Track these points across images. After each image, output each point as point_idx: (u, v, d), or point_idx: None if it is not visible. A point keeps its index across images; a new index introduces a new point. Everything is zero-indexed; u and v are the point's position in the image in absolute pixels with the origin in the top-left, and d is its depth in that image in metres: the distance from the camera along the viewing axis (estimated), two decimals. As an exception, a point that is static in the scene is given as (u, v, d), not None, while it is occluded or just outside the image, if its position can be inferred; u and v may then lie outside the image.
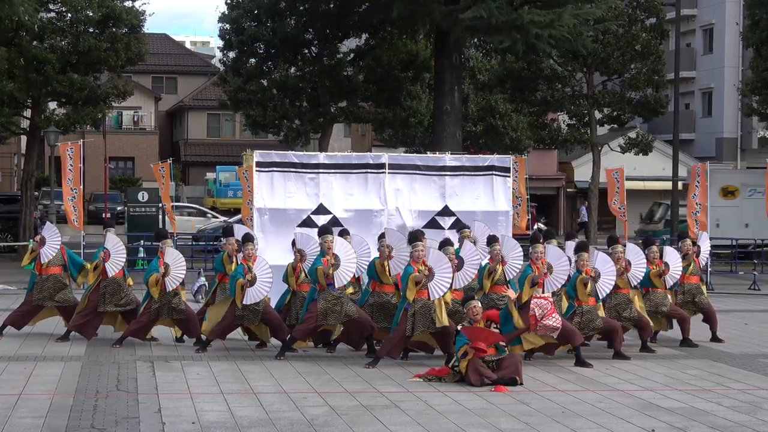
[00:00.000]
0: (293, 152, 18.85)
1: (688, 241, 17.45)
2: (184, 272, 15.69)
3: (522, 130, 38.81)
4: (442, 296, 14.14)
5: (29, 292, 16.63)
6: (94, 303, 16.00)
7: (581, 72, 38.58)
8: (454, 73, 30.21)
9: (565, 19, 27.46)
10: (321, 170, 17.77)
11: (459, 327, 13.57)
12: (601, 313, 15.11)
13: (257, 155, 17.95)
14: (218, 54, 46.09)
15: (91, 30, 34.31)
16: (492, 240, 15.97)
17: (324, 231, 15.19)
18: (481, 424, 10.76)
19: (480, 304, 13.75)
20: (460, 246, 16.15)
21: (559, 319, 14.20)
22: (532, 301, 14.16)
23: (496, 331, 13.65)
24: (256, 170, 17.70)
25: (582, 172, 50.10)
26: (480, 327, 13.38)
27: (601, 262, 14.98)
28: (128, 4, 35.14)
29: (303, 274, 15.26)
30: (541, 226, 32.23)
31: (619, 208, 27.65)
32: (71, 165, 24.29)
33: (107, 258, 15.88)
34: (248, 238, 15.83)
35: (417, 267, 14.02)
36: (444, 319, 14.08)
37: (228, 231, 16.66)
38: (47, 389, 12.23)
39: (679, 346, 16.21)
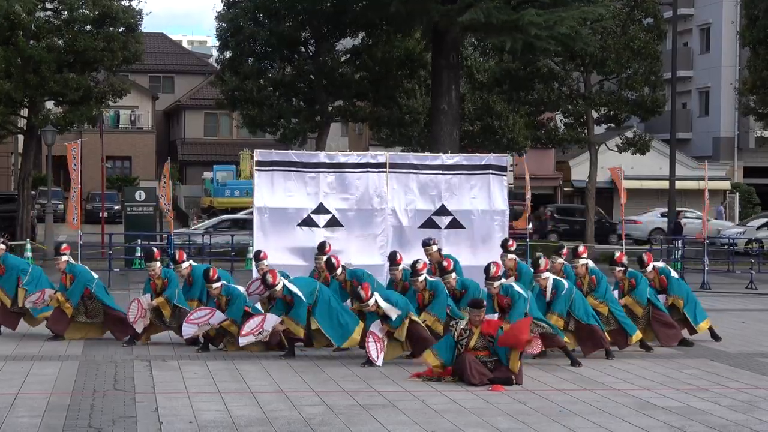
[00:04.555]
0: (293, 151, 18.85)
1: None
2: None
3: (519, 129, 38.82)
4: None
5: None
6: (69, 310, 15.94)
7: (578, 71, 38.58)
8: (451, 72, 30.19)
9: (567, 21, 27.43)
10: (321, 169, 17.75)
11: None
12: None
13: (257, 154, 17.91)
14: (215, 53, 46.00)
15: (87, 29, 34.32)
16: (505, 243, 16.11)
17: (320, 250, 15.47)
18: (479, 423, 10.75)
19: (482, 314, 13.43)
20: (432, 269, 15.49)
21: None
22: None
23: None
24: (257, 169, 17.65)
25: (579, 171, 50.12)
26: (510, 327, 13.13)
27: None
28: (125, 3, 35.14)
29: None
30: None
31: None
32: (75, 165, 24.27)
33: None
34: (259, 257, 15.74)
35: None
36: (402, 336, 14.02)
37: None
38: (44, 388, 12.21)
39: (677, 345, 16.21)
